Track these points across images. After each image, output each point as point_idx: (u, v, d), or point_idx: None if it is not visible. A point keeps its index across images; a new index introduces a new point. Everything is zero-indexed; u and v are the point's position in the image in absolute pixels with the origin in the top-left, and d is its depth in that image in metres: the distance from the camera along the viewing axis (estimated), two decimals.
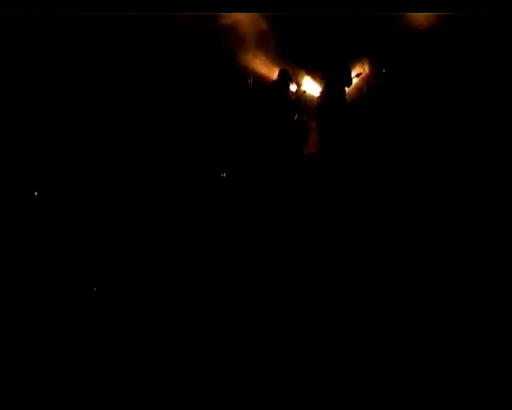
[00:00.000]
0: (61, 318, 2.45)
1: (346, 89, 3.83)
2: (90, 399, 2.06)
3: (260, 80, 3.86)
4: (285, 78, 3.79)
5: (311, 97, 3.94)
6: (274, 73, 3.84)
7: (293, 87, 3.86)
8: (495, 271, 2.71)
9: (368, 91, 3.88)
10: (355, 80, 3.86)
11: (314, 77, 3.93)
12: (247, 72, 3.82)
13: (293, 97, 3.90)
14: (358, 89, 3.91)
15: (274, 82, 3.82)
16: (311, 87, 3.95)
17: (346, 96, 3.86)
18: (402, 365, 2.21)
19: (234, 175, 3.63)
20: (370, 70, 3.88)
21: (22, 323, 2.41)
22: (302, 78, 3.95)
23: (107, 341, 2.32)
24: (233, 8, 3.45)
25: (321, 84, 3.87)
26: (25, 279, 2.69)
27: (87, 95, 3.64)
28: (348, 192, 3.42)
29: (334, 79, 3.82)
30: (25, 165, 3.39)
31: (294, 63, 3.85)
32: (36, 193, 3.22)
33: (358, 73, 3.88)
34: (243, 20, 3.62)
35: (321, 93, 3.87)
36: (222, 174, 3.62)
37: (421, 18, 3.57)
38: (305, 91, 3.96)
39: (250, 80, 3.84)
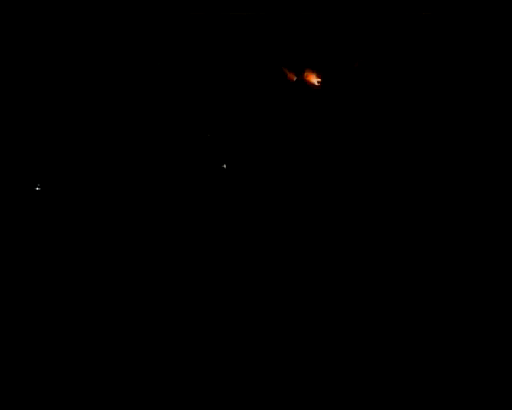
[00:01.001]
0: (60, 315, 2.45)
1: (348, 78, 3.80)
2: (89, 399, 2.07)
3: (260, 71, 3.83)
4: (280, 67, 3.76)
5: (313, 87, 3.91)
6: (273, 64, 3.82)
7: (293, 77, 3.83)
8: (495, 271, 2.71)
9: (367, 80, 3.85)
10: (355, 70, 3.83)
11: (315, 67, 3.90)
12: (246, 60, 3.79)
13: (293, 87, 3.86)
14: (357, 78, 3.88)
15: (272, 72, 3.80)
16: (312, 77, 3.91)
17: (346, 86, 3.83)
18: (402, 365, 2.22)
19: (235, 167, 3.61)
20: (369, 58, 3.84)
21: (22, 320, 2.41)
22: (303, 67, 3.91)
23: (107, 340, 2.33)
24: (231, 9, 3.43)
25: (322, 74, 3.84)
26: (25, 274, 2.69)
27: (85, 76, 3.60)
28: (352, 181, 3.41)
29: (335, 69, 3.79)
30: (26, 158, 3.38)
31: (294, 53, 3.82)
32: (37, 187, 3.22)
33: (360, 61, 3.84)
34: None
35: (322, 83, 3.84)
36: (223, 165, 3.61)
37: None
38: (305, 80, 3.92)
39: (250, 70, 3.81)
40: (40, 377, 2.12)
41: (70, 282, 2.69)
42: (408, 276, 2.71)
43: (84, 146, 3.44)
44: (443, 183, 3.29)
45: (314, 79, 3.90)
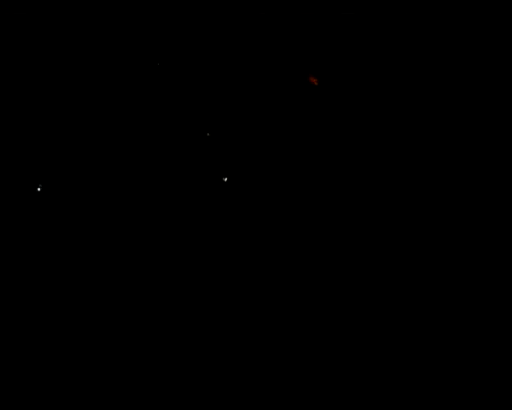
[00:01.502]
0: (60, 316, 2.46)
1: (347, 79, 3.83)
2: (89, 399, 2.06)
3: (259, 71, 3.88)
4: (280, 68, 3.81)
5: (313, 88, 3.94)
6: (273, 64, 3.86)
7: (294, 78, 3.86)
8: (495, 271, 2.71)
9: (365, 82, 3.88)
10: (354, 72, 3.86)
11: (315, 67, 3.95)
12: (245, 61, 3.83)
13: (293, 87, 3.89)
14: (356, 78, 3.91)
15: (272, 72, 3.83)
16: (312, 77, 3.95)
17: (346, 86, 3.87)
18: (402, 365, 2.20)
19: (237, 179, 3.63)
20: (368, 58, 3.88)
21: (22, 321, 2.42)
22: (303, 68, 3.96)
23: (107, 341, 2.33)
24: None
25: (322, 76, 3.88)
26: (25, 276, 2.70)
27: (83, 76, 3.64)
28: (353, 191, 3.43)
29: (335, 70, 3.83)
30: (27, 159, 3.41)
31: (295, 53, 3.87)
32: (39, 188, 3.24)
33: (359, 63, 3.87)
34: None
35: (322, 83, 3.88)
36: (223, 178, 3.62)
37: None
38: (305, 81, 3.95)
39: (249, 70, 3.85)
40: (40, 377, 2.11)
41: (70, 282, 2.70)
42: (407, 275, 2.71)
43: (84, 146, 3.48)
44: (442, 182, 3.31)
45: (314, 79, 3.95)
